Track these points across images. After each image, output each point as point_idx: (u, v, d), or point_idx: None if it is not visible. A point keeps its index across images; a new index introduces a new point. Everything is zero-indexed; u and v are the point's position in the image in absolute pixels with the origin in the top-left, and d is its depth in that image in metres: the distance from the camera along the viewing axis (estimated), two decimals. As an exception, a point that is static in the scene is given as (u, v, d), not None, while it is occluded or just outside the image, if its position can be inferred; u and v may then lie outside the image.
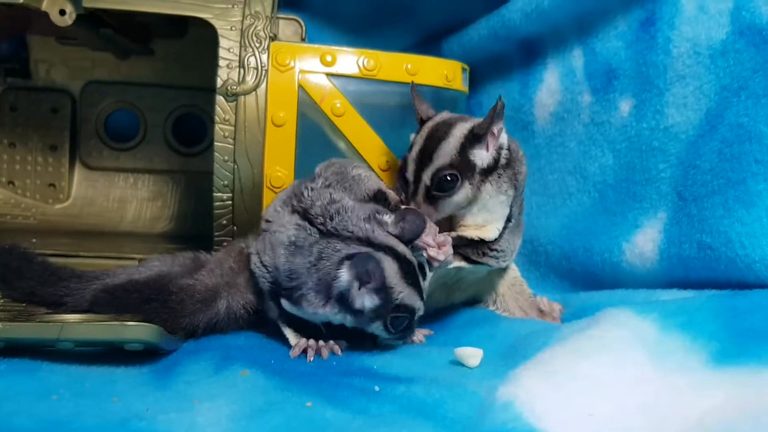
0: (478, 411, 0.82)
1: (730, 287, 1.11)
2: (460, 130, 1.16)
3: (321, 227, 1.06)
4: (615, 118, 1.38)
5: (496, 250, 1.21)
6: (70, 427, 0.79)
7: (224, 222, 1.35)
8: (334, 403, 0.88)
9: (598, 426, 0.75)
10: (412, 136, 1.23)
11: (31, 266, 1.17)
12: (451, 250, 1.13)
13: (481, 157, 1.16)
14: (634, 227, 1.31)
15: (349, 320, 1.06)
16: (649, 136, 1.31)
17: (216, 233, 1.35)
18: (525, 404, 0.75)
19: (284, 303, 1.07)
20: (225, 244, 1.34)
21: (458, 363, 1.05)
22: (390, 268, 1.02)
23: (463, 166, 1.14)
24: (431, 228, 1.12)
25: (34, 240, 1.50)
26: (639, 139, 1.33)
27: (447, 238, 1.12)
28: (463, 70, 1.44)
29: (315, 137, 1.35)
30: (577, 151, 1.45)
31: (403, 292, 1.03)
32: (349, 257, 1.01)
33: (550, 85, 1.51)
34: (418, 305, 1.06)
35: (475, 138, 1.15)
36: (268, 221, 1.14)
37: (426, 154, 1.15)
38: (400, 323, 1.05)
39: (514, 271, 1.34)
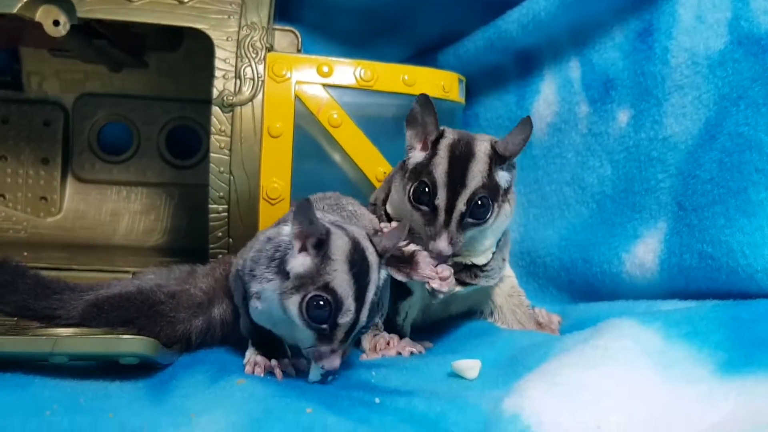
0: (483, 424, 0.81)
1: (731, 297, 1.10)
2: (483, 150, 1.10)
3: None
4: (613, 129, 1.37)
5: (487, 270, 1.20)
6: (65, 443, 0.77)
7: (219, 234, 1.33)
8: (335, 411, 0.86)
9: (606, 439, 0.74)
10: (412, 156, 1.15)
11: (23, 280, 1.15)
12: (453, 281, 1.10)
13: (504, 178, 1.12)
14: (633, 238, 1.30)
15: (276, 290, 0.95)
16: (647, 147, 1.30)
17: (211, 245, 1.33)
18: (532, 416, 0.73)
19: (251, 306, 1.01)
20: (220, 256, 1.32)
21: (457, 375, 1.04)
22: (340, 241, 0.93)
23: (491, 189, 1.09)
24: (429, 258, 1.08)
25: (26, 253, 1.48)
26: (637, 149, 1.32)
27: (448, 269, 1.08)
28: (460, 81, 1.44)
29: (312, 148, 1.34)
30: (574, 162, 1.44)
31: (340, 275, 0.91)
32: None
33: (547, 96, 1.51)
34: (349, 306, 0.91)
35: (499, 158, 1.10)
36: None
37: (457, 179, 1.07)
38: (317, 311, 0.91)
39: (511, 280, 1.33)
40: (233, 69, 1.28)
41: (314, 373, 0.99)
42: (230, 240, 1.33)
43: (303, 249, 0.93)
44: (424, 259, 1.08)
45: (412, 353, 1.17)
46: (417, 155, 1.14)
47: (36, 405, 0.87)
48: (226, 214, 1.31)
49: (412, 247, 1.09)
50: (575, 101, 1.45)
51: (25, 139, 1.69)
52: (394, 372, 1.06)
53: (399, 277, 1.09)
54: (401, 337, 1.22)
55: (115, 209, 1.72)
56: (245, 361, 1.05)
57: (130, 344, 0.98)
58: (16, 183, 1.68)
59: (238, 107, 1.28)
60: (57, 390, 0.94)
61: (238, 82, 1.28)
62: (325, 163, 1.34)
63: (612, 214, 1.36)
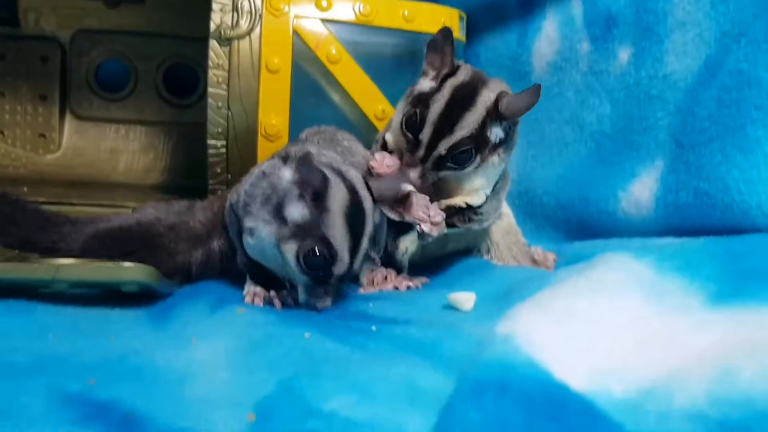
0: (476, 348, 0.83)
1: (725, 234, 1.11)
2: (485, 102, 1.10)
3: None
4: (614, 67, 1.36)
5: (480, 214, 1.20)
6: (68, 363, 0.79)
7: (218, 170, 1.34)
8: (333, 337, 0.88)
9: (595, 361, 0.75)
10: (418, 85, 1.16)
11: (23, 213, 1.16)
12: (443, 225, 1.12)
13: (497, 134, 1.13)
14: (630, 176, 1.31)
15: (272, 234, 0.97)
16: (647, 85, 1.30)
17: (210, 181, 1.34)
18: (524, 338, 0.75)
19: (245, 241, 1.04)
20: (219, 192, 1.33)
21: (453, 308, 1.06)
22: (338, 193, 0.96)
23: (479, 142, 1.10)
24: (423, 201, 1.10)
25: (26, 189, 1.48)
26: (637, 87, 1.32)
27: (440, 214, 1.10)
28: (461, 18, 1.43)
29: (310, 85, 1.33)
30: (574, 101, 1.44)
31: (336, 228, 0.94)
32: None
33: (548, 34, 1.49)
34: (343, 257, 0.95)
35: (498, 116, 1.10)
36: None
37: (447, 122, 1.08)
38: (314, 261, 0.94)
39: (509, 218, 1.34)
40: (231, 2, 1.27)
41: (303, 296, 1.02)
42: (229, 176, 1.33)
43: (301, 198, 0.95)
44: (418, 202, 1.09)
45: (408, 288, 1.19)
46: (425, 84, 1.14)
47: (39, 328, 0.89)
48: (224, 150, 1.32)
49: (407, 187, 1.10)
50: (577, 39, 1.44)
51: (22, 76, 1.68)
52: (391, 304, 1.08)
53: (392, 215, 1.11)
54: (399, 272, 1.23)
55: (114, 147, 1.72)
56: (245, 291, 1.07)
57: (131, 272, 0.99)
58: (14, 120, 1.68)
59: (236, 41, 1.27)
60: (59, 315, 0.96)
61: (235, 15, 1.27)
62: (324, 101, 1.34)
63: (610, 153, 1.37)
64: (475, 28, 1.60)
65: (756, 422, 0.63)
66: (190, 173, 1.67)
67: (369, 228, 0.98)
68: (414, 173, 1.09)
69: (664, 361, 0.76)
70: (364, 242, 0.98)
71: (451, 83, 1.11)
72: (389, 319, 0.99)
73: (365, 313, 1.04)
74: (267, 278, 1.08)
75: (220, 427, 0.67)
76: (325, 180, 0.94)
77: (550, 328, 0.79)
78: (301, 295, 1.01)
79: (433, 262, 1.32)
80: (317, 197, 0.94)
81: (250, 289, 1.06)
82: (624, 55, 1.35)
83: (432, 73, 1.15)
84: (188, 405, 0.70)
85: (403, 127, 1.12)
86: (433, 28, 1.36)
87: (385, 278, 1.21)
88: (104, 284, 1.00)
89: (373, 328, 0.94)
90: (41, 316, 0.95)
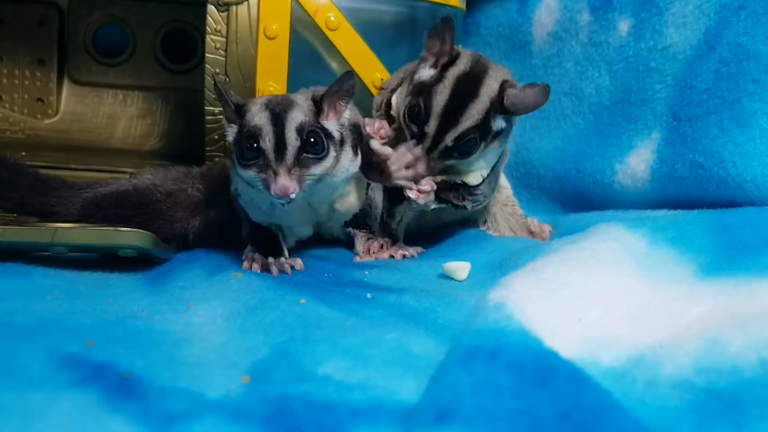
0: (469, 315, 0.84)
1: (720, 207, 1.12)
2: (488, 92, 1.08)
3: None
4: (613, 38, 1.36)
5: (476, 194, 1.20)
6: (67, 324, 0.80)
7: (216, 137, 1.34)
8: (328, 303, 0.90)
9: (586, 330, 0.77)
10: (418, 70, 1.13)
11: (21, 176, 1.17)
12: (431, 197, 1.12)
13: (500, 124, 1.12)
14: (627, 148, 1.31)
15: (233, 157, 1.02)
16: (646, 57, 1.29)
17: (208, 148, 1.34)
18: (516, 306, 0.76)
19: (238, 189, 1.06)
20: (216, 159, 1.33)
21: (447, 277, 1.07)
22: (255, 109, 0.99)
23: (484, 131, 1.09)
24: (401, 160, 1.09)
25: (24, 153, 1.48)
26: (636, 59, 1.31)
27: (431, 185, 1.10)
28: (461, -14, 1.42)
29: (308, 52, 1.32)
30: (573, 72, 1.43)
31: (255, 119, 0.97)
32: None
33: (548, 4, 1.48)
34: (267, 132, 0.96)
35: (503, 111, 1.09)
36: None
37: (451, 113, 1.07)
38: (247, 151, 0.97)
39: (506, 190, 1.34)
40: (229, -33, 1.26)
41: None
42: (227, 143, 1.33)
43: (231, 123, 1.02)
44: (396, 162, 1.09)
45: (404, 256, 1.20)
46: (425, 72, 1.12)
47: (38, 291, 0.91)
48: (222, 116, 1.31)
49: (386, 150, 1.10)
50: (577, 9, 1.43)
51: (20, 40, 1.66)
52: (386, 272, 1.09)
53: (373, 180, 1.12)
54: (394, 241, 1.24)
55: (112, 112, 1.71)
56: (243, 256, 1.08)
57: (129, 236, 1.00)
58: (12, 84, 1.67)
59: (234, 6, 1.26)
60: (58, 279, 0.97)
61: (234, -20, 1.26)
62: (322, 68, 1.33)
63: (607, 125, 1.37)
64: (475, -4, 1.59)
65: (742, 390, 0.64)
66: (188, 139, 1.67)
67: (293, 115, 0.98)
68: (422, 166, 1.08)
69: (654, 331, 0.77)
70: (290, 121, 0.97)
71: (453, 73, 1.09)
72: (384, 287, 1.00)
73: (361, 280, 1.05)
74: (268, 244, 1.09)
75: (215, 388, 0.68)
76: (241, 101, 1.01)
77: (543, 297, 0.80)
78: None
79: (429, 232, 1.33)
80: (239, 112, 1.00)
81: (249, 254, 1.07)
82: (624, 26, 1.34)
83: (431, 60, 1.12)
84: (185, 367, 0.72)
85: (406, 118, 1.10)
86: (433, -4, 1.35)
87: (381, 247, 1.22)
88: (102, 248, 1.01)
89: (368, 295, 0.95)
90: (40, 279, 0.96)
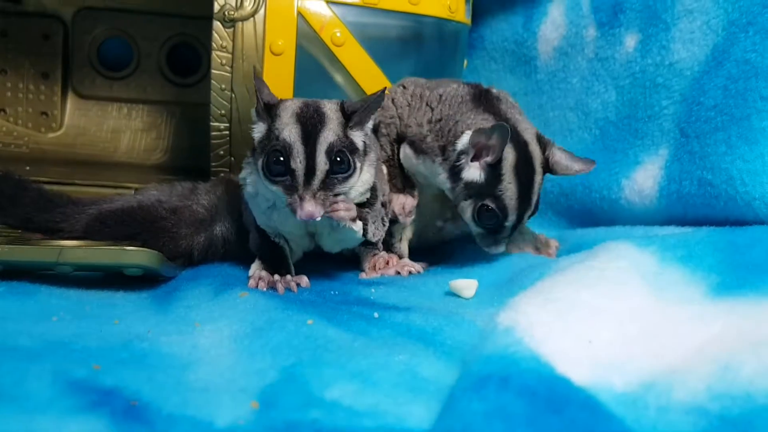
0: (477, 337, 0.83)
1: (728, 224, 1.11)
2: (538, 159, 1.13)
3: None
4: (620, 54, 1.36)
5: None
6: (72, 347, 0.79)
7: (221, 152, 1.33)
8: (335, 323, 0.89)
9: (597, 352, 0.76)
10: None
11: (26, 193, 1.16)
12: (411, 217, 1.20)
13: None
14: (634, 164, 1.31)
15: (251, 164, 1.05)
16: (653, 72, 1.29)
17: (213, 164, 1.33)
18: (526, 330, 0.75)
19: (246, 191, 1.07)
20: (222, 175, 1.33)
21: (454, 294, 1.06)
22: (289, 108, 1.01)
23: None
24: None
25: (28, 168, 1.48)
26: (643, 75, 1.31)
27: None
28: (467, 1, 1.41)
29: (314, 67, 1.32)
30: (579, 87, 1.43)
31: (285, 133, 0.98)
32: None
33: (554, 19, 1.48)
34: (298, 151, 0.97)
35: (547, 169, 1.15)
36: None
37: (524, 199, 1.12)
38: (274, 166, 0.98)
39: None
40: (235, -17, 1.26)
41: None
42: (232, 159, 1.33)
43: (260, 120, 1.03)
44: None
45: (410, 273, 1.19)
46: (472, 171, 1.12)
47: (43, 311, 0.90)
48: (227, 132, 1.31)
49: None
50: (583, 24, 1.43)
51: (24, 53, 1.66)
52: (393, 290, 1.09)
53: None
54: (400, 257, 1.24)
55: (116, 126, 1.71)
56: (250, 274, 1.07)
57: (134, 256, 0.99)
58: (16, 97, 1.66)
59: (240, 22, 1.26)
60: (63, 298, 0.96)
61: (240, -4, 1.26)
62: (328, 84, 1.33)
63: (614, 141, 1.36)
64: (480, 11, 1.59)
65: (756, 417, 0.63)
66: (193, 153, 1.66)
67: (326, 132, 0.98)
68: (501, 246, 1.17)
69: (666, 354, 0.77)
70: (322, 142, 0.98)
71: (508, 166, 1.10)
72: (391, 306, 1.00)
73: (367, 299, 1.04)
74: (276, 259, 1.09)
75: (224, 415, 0.67)
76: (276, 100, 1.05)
77: (552, 319, 0.79)
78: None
79: (435, 248, 1.32)
80: (268, 109, 1.03)
81: (256, 272, 1.07)
82: (630, 41, 1.34)
83: (471, 152, 1.11)
84: (192, 392, 0.71)
85: (478, 221, 1.14)
86: (439, 12, 1.35)
87: (387, 263, 1.21)
88: (108, 267, 1.01)
89: (376, 314, 0.95)
90: (45, 299, 0.95)
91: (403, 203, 1.21)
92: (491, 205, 1.09)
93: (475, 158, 1.10)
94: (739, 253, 0.94)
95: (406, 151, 1.20)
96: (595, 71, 1.41)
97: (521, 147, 1.10)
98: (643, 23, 1.32)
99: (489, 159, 1.08)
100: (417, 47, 1.37)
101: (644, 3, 1.31)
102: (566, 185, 1.45)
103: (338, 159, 0.97)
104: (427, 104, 1.18)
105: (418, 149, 1.18)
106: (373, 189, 1.09)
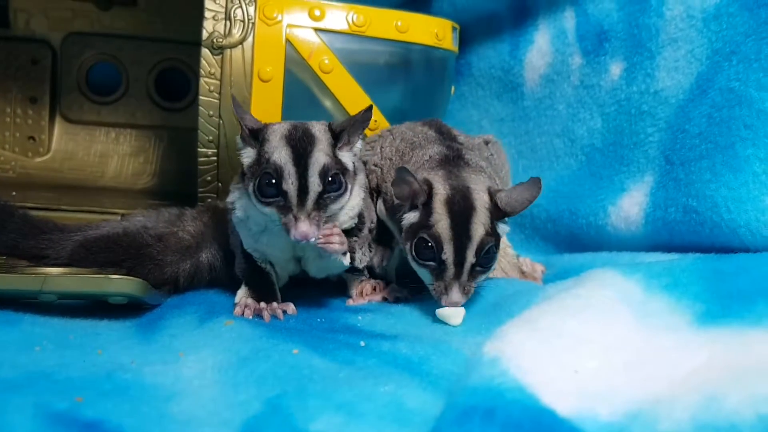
0: (464, 367, 0.83)
1: (713, 251, 1.12)
2: (482, 202, 1.05)
3: None
4: (605, 81, 1.37)
5: None
6: (55, 378, 0.79)
7: (209, 178, 1.33)
8: (321, 352, 0.88)
9: (583, 383, 0.76)
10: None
11: (11, 219, 1.15)
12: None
13: (504, 228, 1.10)
14: (620, 191, 1.32)
15: (240, 188, 1.05)
16: (638, 100, 1.31)
17: (200, 189, 1.33)
18: (512, 360, 0.75)
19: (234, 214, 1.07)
20: (209, 200, 1.32)
21: (441, 322, 1.06)
22: (278, 132, 1.00)
23: (495, 238, 1.08)
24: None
25: (14, 193, 1.47)
26: (628, 102, 1.32)
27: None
28: (454, 29, 1.43)
29: (302, 94, 1.33)
30: (565, 114, 1.44)
31: (274, 156, 0.97)
32: None
33: (541, 47, 1.50)
34: (289, 172, 0.96)
35: (499, 213, 1.06)
36: None
37: (462, 232, 1.03)
38: (266, 188, 0.97)
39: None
40: (223, 10, 1.26)
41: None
42: (219, 184, 1.32)
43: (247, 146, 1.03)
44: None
45: (397, 299, 1.19)
46: (410, 216, 1.08)
47: (26, 341, 0.89)
48: (215, 158, 1.31)
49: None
50: (569, 52, 1.44)
51: (12, 77, 1.66)
52: (380, 317, 1.08)
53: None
54: (387, 283, 1.23)
55: (104, 151, 1.71)
56: (236, 301, 1.07)
57: (119, 284, 0.99)
58: (3, 122, 1.66)
59: (228, 50, 1.26)
60: (46, 327, 0.95)
61: (228, 23, 1.26)
62: (316, 110, 1.33)
63: (600, 167, 1.37)
64: (467, 38, 1.60)
65: (740, 449, 0.63)
66: (181, 178, 1.66)
67: (315, 156, 0.98)
68: (457, 295, 1.04)
69: (651, 384, 0.76)
70: (312, 165, 0.97)
71: (439, 201, 1.05)
72: (378, 333, 0.99)
73: (354, 326, 1.04)
74: (263, 286, 1.08)
75: (207, 449, 0.67)
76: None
77: (538, 349, 0.79)
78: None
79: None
80: (255, 137, 1.03)
81: (242, 300, 1.06)
82: (615, 69, 1.36)
83: (407, 204, 1.08)
84: (175, 425, 0.70)
85: (417, 259, 1.07)
86: (426, 39, 1.36)
87: (374, 289, 1.21)
88: (92, 296, 1.00)
89: (362, 343, 0.94)
90: (28, 328, 0.94)
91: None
92: (424, 235, 1.04)
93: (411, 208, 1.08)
94: (725, 281, 0.94)
95: (379, 206, 1.19)
96: (580, 98, 1.42)
97: (459, 189, 1.05)
98: (628, 51, 1.33)
99: (420, 199, 1.05)
100: (405, 74, 1.38)
101: (629, 32, 1.33)
102: (553, 211, 1.46)
103: (330, 179, 0.98)
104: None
105: (387, 207, 1.16)
106: (360, 215, 1.09)
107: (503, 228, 1.09)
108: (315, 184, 0.97)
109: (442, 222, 1.04)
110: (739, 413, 0.65)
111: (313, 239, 0.96)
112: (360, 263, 1.13)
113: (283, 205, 0.97)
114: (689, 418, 0.67)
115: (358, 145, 1.06)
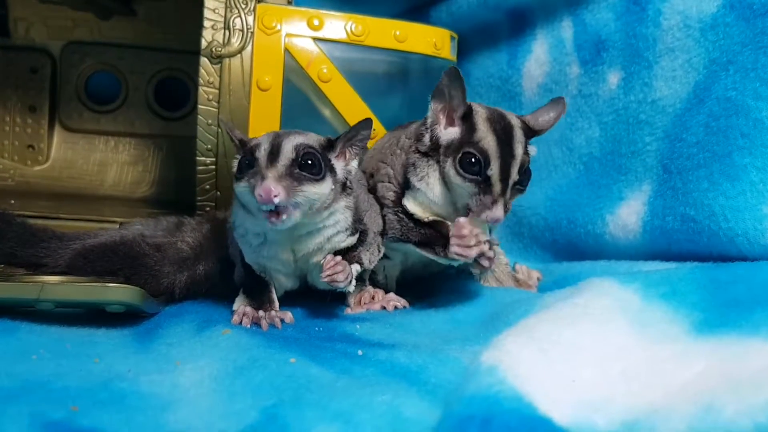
0: (462, 376, 0.83)
1: (711, 260, 1.12)
2: (516, 122, 1.09)
3: None
4: (603, 91, 1.38)
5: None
6: (51, 387, 0.78)
7: (207, 187, 1.33)
8: (318, 361, 0.88)
9: (580, 392, 0.76)
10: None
11: (10, 227, 1.16)
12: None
13: (532, 149, 1.13)
14: (618, 199, 1.32)
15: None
16: (636, 109, 1.31)
17: (199, 198, 1.33)
18: (509, 369, 0.75)
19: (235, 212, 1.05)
20: (207, 209, 1.33)
21: (439, 330, 1.05)
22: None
23: (528, 157, 1.11)
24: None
25: (13, 201, 1.48)
26: (626, 111, 1.33)
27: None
28: (452, 38, 1.43)
29: (300, 103, 1.33)
30: (563, 123, 1.45)
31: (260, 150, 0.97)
32: None
33: (538, 56, 1.50)
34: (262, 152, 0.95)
35: (530, 132, 1.10)
36: None
37: (506, 148, 1.06)
38: (244, 169, 0.97)
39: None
40: (222, 20, 1.27)
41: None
42: (218, 193, 1.33)
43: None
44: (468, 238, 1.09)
45: (396, 307, 1.19)
46: (450, 132, 1.09)
47: (23, 349, 0.89)
48: (213, 167, 1.31)
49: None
50: (566, 62, 1.45)
51: (11, 86, 1.67)
52: (378, 326, 1.08)
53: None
54: (386, 291, 1.23)
55: (103, 159, 1.71)
56: (234, 309, 1.07)
57: (117, 292, 0.98)
58: (3, 130, 1.67)
59: (227, 59, 1.27)
60: (43, 336, 0.95)
61: (227, 33, 1.27)
62: (315, 119, 1.34)
63: (598, 176, 1.38)
64: (465, 48, 1.61)
65: (737, 458, 0.63)
66: (179, 187, 1.66)
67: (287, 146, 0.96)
68: (499, 209, 1.05)
69: (648, 392, 0.76)
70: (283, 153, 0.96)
71: (481, 117, 1.08)
72: (376, 343, 0.99)
73: (352, 335, 1.04)
74: (260, 294, 1.08)
75: (202, 458, 0.66)
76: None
77: (536, 358, 0.79)
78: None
79: (419, 283, 1.32)
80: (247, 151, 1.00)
81: (240, 308, 1.06)
82: (613, 79, 1.36)
83: (443, 120, 1.10)
84: (172, 434, 0.70)
85: (462, 172, 1.06)
86: (424, 49, 1.37)
87: (373, 297, 1.21)
88: (90, 304, 1.00)
89: (360, 352, 0.94)
90: (25, 336, 0.94)
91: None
92: (471, 149, 1.05)
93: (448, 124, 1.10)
94: (722, 290, 0.95)
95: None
96: (579, 107, 1.42)
97: (496, 110, 1.10)
98: (626, 61, 1.34)
99: (458, 112, 1.08)
100: (403, 83, 1.38)
101: (626, 41, 1.33)
102: (551, 220, 1.46)
103: (308, 161, 0.95)
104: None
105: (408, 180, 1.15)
106: (363, 223, 1.09)
107: (532, 149, 1.11)
108: (287, 151, 0.95)
109: (488, 138, 1.06)
110: (736, 423, 0.65)
111: (278, 200, 0.91)
112: (370, 264, 1.14)
113: (254, 171, 0.94)
114: (686, 428, 0.67)
115: (354, 163, 1.05)
